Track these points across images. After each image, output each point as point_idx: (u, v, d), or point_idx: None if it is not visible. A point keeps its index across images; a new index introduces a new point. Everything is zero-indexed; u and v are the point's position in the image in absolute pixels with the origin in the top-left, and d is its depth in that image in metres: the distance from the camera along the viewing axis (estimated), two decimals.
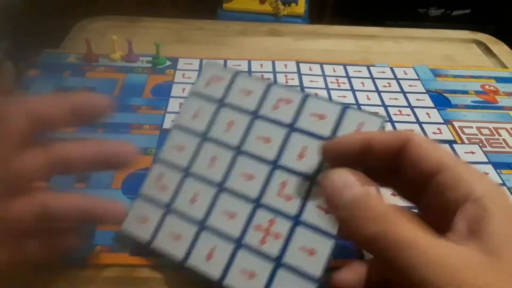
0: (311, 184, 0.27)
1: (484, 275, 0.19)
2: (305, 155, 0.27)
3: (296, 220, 0.26)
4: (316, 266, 0.25)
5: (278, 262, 0.25)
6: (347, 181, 0.22)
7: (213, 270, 0.26)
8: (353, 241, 0.23)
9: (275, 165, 0.28)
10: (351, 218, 0.21)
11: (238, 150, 0.29)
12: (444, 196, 0.22)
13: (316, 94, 0.34)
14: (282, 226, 0.26)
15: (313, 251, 0.25)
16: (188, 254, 0.27)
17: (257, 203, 0.27)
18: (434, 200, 0.23)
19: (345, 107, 0.28)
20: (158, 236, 0.27)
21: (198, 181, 0.28)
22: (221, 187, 0.28)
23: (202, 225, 0.27)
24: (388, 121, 0.44)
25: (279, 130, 0.29)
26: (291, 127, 0.28)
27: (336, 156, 0.25)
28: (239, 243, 0.26)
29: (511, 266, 0.19)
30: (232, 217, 0.27)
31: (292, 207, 0.26)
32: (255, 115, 0.30)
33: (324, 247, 0.25)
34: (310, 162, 0.27)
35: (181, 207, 0.28)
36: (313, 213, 0.26)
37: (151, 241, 0.27)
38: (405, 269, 0.19)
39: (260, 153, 0.28)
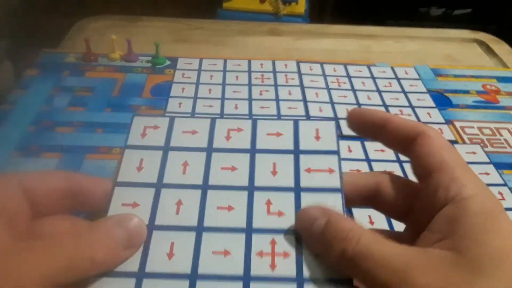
0: (297, 192, 0.26)
1: (440, 273, 0.19)
2: (278, 170, 0.27)
3: (298, 233, 0.24)
4: None
5: (300, 280, 0.23)
6: (312, 216, 0.23)
7: None
8: (330, 266, 0.22)
9: (251, 188, 0.26)
10: (321, 247, 0.22)
11: (205, 187, 0.26)
12: (436, 196, 0.22)
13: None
14: (287, 242, 0.24)
15: None
16: None
17: (248, 230, 0.24)
18: (426, 199, 0.23)
19: (296, 120, 0.28)
20: None
21: (169, 232, 0.25)
22: (200, 229, 0.25)
23: (193, 278, 0.23)
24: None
25: (242, 157, 0.27)
26: (253, 150, 0.27)
27: (357, 124, 0.26)
28: (247, 278, 0.23)
29: (474, 263, 0.19)
30: (227, 255, 0.24)
31: (288, 220, 0.24)
32: (209, 150, 0.28)
33: None
34: (286, 174, 0.26)
35: (158, 268, 0.23)
36: None
37: None
38: (364, 276, 0.20)
39: (230, 183, 0.26)
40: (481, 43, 0.62)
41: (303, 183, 0.26)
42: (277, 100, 0.46)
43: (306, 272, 0.23)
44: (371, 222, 0.30)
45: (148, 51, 0.51)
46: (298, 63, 0.52)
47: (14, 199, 0.22)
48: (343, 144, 0.40)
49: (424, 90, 0.49)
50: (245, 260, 0.23)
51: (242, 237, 0.24)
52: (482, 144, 0.42)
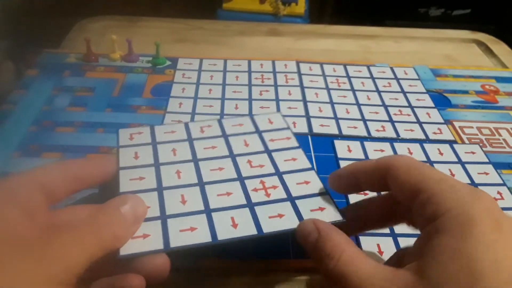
0: (269, 153, 0.33)
1: None
2: (249, 143, 0.34)
3: (279, 173, 0.32)
4: (317, 186, 0.30)
5: (291, 198, 0.29)
6: (307, 230, 0.25)
7: (247, 231, 0.27)
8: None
9: (232, 155, 0.33)
10: (314, 259, 0.25)
11: (195, 160, 0.32)
12: (417, 220, 0.23)
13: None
14: (273, 180, 0.31)
15: (307, 181, 0.31)
16: (213, 234, 0.27)
17: (240, 179, 0.31)
18: (418, 222, 0.24)
19: (251, 115, 0.38)
20: (171, 239, 0.27)
21: (177, 189, 0.30)
22: (201, 184, 0.30)
23: (208, 211, 0.28)
24: (388, 121, 0.44)
25: (218, 140, 0.35)
26: (225, 135, 0.35)
27: (338, 185, 0.28)
28: (250, 204, 0.29)
29: (434, 285, 0.19)
30: (229, 195, 0.30)
31: (269, 168, 0.32)
32: (190, 139, 0.35)
33: (313, 176, 0.31)
34: (256, 145, 0.34)
35: (176, 210, 0.28)
36: (287, 165, 0.32)
37: (167, 246, 0.26)
38: None
39: (215, 155, 0.33)
40: (480, 44, 0.62)
41: (271, 147, 0.34)
42: (277, 100, 0.46)
43: (294, 193, 0.30)
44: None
45: (148, 51, 0.51)
46: (298, 63, 0.52)
47: (33, 195, 0.24)
48: (343, 144, 0.40)
49: (423, 90, 0.49)
50: (245, 195, 0.30)
51: (237, 183, 0.31)
52: (481, 144, 0.42)
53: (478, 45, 0.62)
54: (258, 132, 0.36)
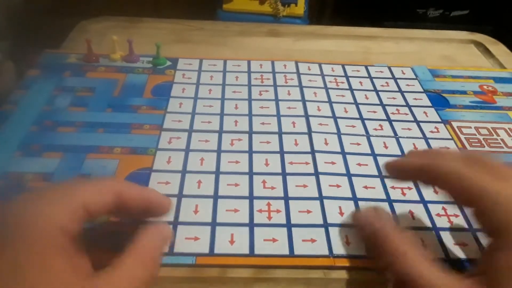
0: (284, 175, 0.35)
1: None
2: (269, 163, 0.37)
3: (287, 198, 0.34)
4: (317, 217, 0.32)
5: (289, 225, 0.31)
6: (368, 218, 0.27)
7: (240, 249, 0.30)
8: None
9: (251, 173, 0.36)
10: (372, 248, 0.27)
11: (217, 172, 0.36)
12: (482, 226, 0.24)
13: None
14: (278, 204, 0.33)
15: (309, 210, 0.33)
16: (212, 246, 0.30)
17: (250, 197, 0.33)
18: (481, 227, 0.25)
19: (280, 134, 0.40)
20: (176, 244, 0.30)
21: (193, 198, 0.33)
22: (215, 197, 0.33)
23: (213, 224, 0.31)
24: (386, 120, 0.44)
25: (242, 155, 0.37)
26: (250, 151, 0.38)
27: (397, 172, 0.30)
28: (251, 224, 0.31)
29: None
30: (236, 212, 0.32)
31: (279, 192, 0.34)
32: (218, 151, 0.38)
33: (316, 207, 0.33)
34: (275, 165, 0.36)
35: (187, 219, 0.32)
36: (296, 191, 0.34)
37: (171, 250, 0.29)
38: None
39: (235, 170, 0.36)
40: (479, 44, 0.62)
41: (288, 170, 0.36)
42: (277, 100, 0.46)
43: (293, 221, 0.32)
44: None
45: (149, 52, 0.51)
46: (297, 63, 0.53)
47: (77, 216, 0.23)
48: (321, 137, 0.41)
49: (421, 89, 0.50)
50: (249, 214, 0.32)
51: (246, 201, 0.33)
52: (479, 144, 0.42)
53: (476, 46, 0.62)
54: (281, 152, 0.38)
